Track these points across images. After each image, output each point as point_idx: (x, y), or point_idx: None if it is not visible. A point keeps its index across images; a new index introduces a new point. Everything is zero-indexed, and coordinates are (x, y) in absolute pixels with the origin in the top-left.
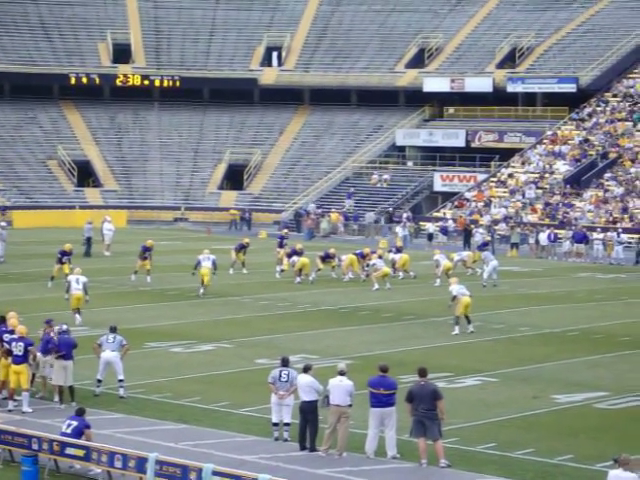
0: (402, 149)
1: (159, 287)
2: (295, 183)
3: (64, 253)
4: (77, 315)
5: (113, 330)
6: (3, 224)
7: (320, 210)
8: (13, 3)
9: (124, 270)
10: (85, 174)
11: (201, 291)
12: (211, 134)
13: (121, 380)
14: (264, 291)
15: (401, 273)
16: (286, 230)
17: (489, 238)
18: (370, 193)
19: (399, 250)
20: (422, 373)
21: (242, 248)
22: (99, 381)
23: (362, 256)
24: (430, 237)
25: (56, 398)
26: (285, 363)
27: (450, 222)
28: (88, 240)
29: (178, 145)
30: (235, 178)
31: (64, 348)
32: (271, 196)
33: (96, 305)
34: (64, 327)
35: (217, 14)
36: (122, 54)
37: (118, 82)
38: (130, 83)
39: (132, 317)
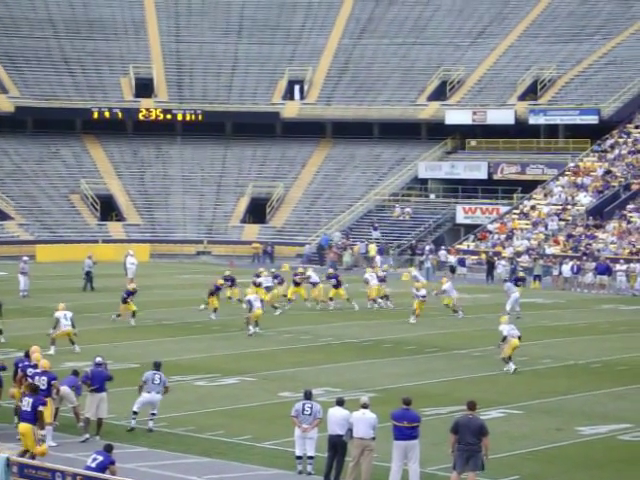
0: (424, 182)
1: (183, 320)
2: (318, 216)
3: (129, 293)
4: (75, 346)
5: (157, 367)
6: (25, 258)
7: (346, 239)
8: (36, 38)
9: (147, 304)
10: (108, 208)
11: (254, 330)
12: (234, 167)
13: (154, 414)
14: (287, 324)
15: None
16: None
17: (522, 274)
18: (392, 226)
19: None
20: (471, 406)
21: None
22: (135, 413)
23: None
24: (452, 269)
25: (80, 423)
26: (308, 396)
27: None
28: (87, 274)
29: (201, 179)
30: (258, 211)
31: (97, 381)
32: (294, 229)
33: (120, 339)
34: (98, 360)
35: (239, 48)
36: (144, 88)
37: (141, 116)
38: (152, 117)
39: (156, 350)
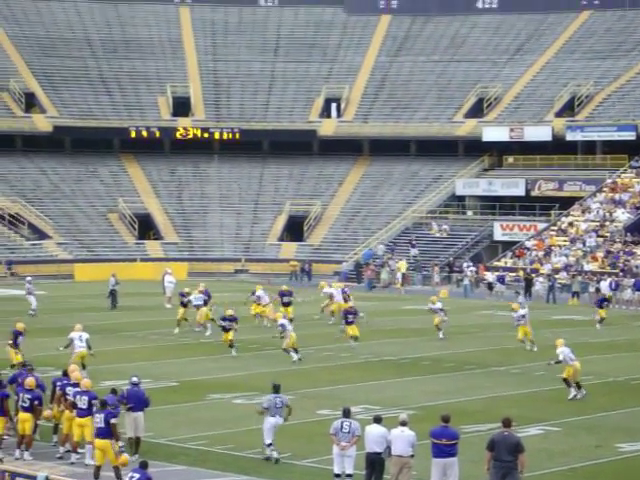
0: (462, 199)
1: (221, 339)
2: (355, 234)
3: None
4: (83, 371)
5: (277, 390)
6: (29, 278)
7: (391, 253)
8: (73, 58)
9: (187, 324)
10: (146, 227)
11: (297, 356)
12: (271, 186)
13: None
14: (326, 342)
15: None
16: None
17: (610, 294)
18: (430, 243)
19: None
20: (506, 423)
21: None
22: (269, 445)
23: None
24: (490, 286)
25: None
26: (347, 414)
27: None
28: (111, 293)
29: (238, 197)
30: (295, 229)
31: (133, 400)
32: (331, 247)
33: (158, 357)
34: (134, 379)
35: (276, 66)
36: (182, 107)
37: (178, 135)
38: (190, 136)
39: (194, 369)
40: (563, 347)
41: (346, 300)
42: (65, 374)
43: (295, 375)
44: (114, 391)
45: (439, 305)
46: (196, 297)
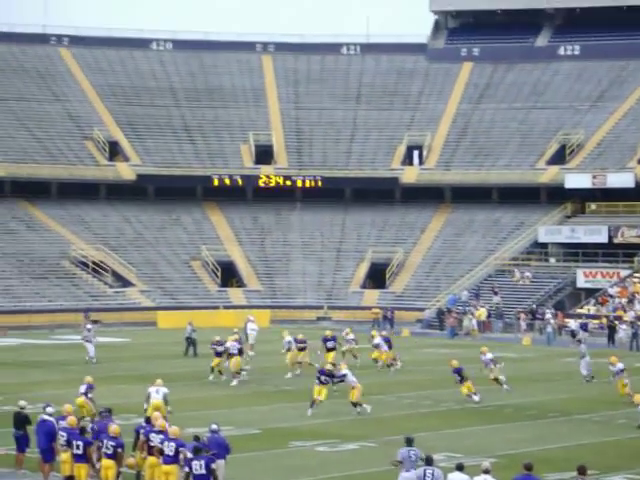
0: (544, 246)
1: (302, 386)
2: (437, 281)
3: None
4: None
5: (410, 443)
6: (89, 326)
7: (475, 299)
8: (156, 106)
9: (268, 369)
10: (228, 274)
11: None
12: (353, 233)
13: None
14: (408, 389)
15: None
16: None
17: None
18: (513, 290)
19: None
20: (582, 471)
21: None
22: None
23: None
24: (573, 334)
25: None
26: (429, 462)
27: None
28: (188, 340)
29: (320, 244)
30: (377, 276)
31: (213, 447)
32: (414, 294)
33: (240, 404)
34: (214, 427)
35: (358, 114)
36: (264, 155)
37: (261, 183)
38: (272, 184)
39: (275, 416)
40: None
41: (390, 347)
42: (148, 421)
43: (377, 422)
44: (197, 438)
45: (490, 356)
46: (232, 345)
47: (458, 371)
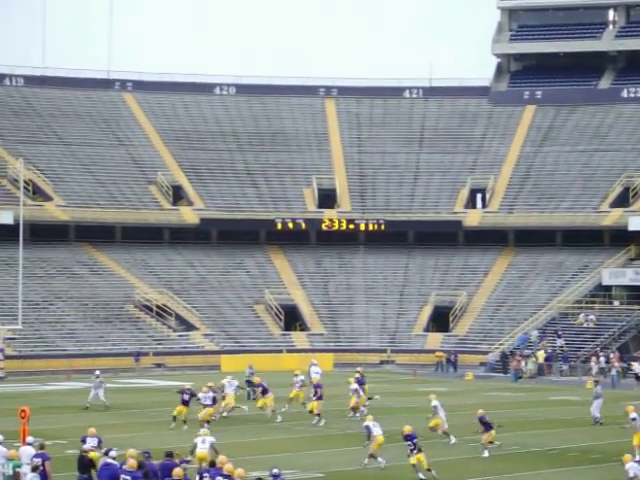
0: (608, 288)
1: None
2: (501, 324)
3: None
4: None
5: None
6: (97, 372)
7: (544, 339)
8: (220, 150)
9: (333, 413)
10: (292, 318)
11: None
12: (416, 276)
13: None
14: (472, 433)
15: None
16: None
17: None
18: (576, 333)
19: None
20: None
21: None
22: None
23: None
24: (638, 377)
25: None
26: None
27: None
28: (249, 383)
29: (384, 288)
30: (441, 320)
31: None
32: (477, 337)
33: (303, 448)
34: (275, 471)
35: (421, 157)
36: (327, 199)
37: (324, 226)
38: (335, 227)
39: (339, 460)
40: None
41: (363, 390)
42: (213, 464)
43: (442, 465)
44: None
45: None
46: (204, 396)
47: (482, 419)
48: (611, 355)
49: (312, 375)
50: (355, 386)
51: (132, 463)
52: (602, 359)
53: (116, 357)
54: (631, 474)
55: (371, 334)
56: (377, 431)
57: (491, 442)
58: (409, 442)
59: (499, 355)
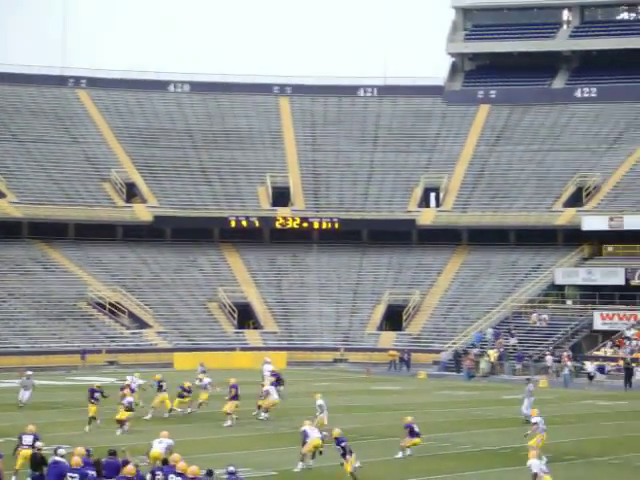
0: (561, 288)
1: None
2: (454, 323)
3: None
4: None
5: None
6: (29, 373)
7: (499, 338)
8: (173, 148)
9: (285, 411)
10: (245, 316)
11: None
12: (370, 275)
13: None
14: (425, 432)
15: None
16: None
17: None
18: (529, 333)
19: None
20: None
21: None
22: None
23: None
24: (590, 376)
25: None
26: None
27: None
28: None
29: (337, 286)
30: (394, 318)
31: None
32: (430, 336)
33: (257, 446)
34: (231, 469)
35: (375, 156)
36: (281, 197)
37: (277, 225)
38: (289, 225)
39: (292, 458)
40: (533, 459)
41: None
42: (165, 462)
43: (388, 465)
44: (210, 473)
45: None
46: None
47: (409, 427)
48: (563, 354)
49: (264, 373)
50: (268, 387)
51: (77, 460)
52: (549, 358)
53: (68, 354)
54: (534, 470)
55: (324, 332)
56: (314, 434)
57: (409, 446)
58: (339, 446)
59: (452, 354)
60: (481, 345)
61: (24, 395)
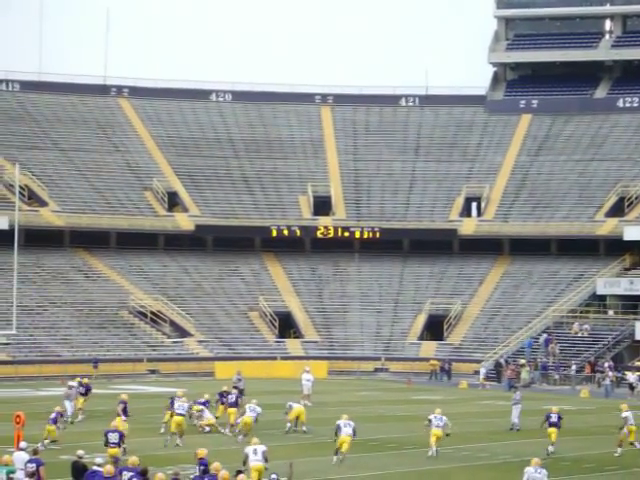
0: (603, 298)
1: (358, 437)
2: (495, 333)
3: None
4: None
5: None
6: (72, 383)
7: (553, 343)
8: (215, 157)
9: (323, 420)
10: (286, 325)
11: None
12: (411, 285)
13: None
14: (463, 442)
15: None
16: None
17: None
18: (571, 342)
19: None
20: None
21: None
22: None
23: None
24: (631, 387)
25: None
26: None
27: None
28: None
29: (378, 296)
30: (435, 328)
31: None
32: (471, 346)
33: (299, 455)
34: (273, 477)
35: (416, 166)
36: (323, 206)
37: (319, 234)
38: (331, 235)
39: (334, 467)
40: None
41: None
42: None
43: (433, 475)
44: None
45: (627, 413)
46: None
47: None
48: (605, 364)
49: (303, 382)
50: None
51: (109, 469)
52: (574, 367)
53: (111, 363)
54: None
55: (365, 342)
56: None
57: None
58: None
59: (493, 364)
60: (532, 350)
61: (67, 407)
